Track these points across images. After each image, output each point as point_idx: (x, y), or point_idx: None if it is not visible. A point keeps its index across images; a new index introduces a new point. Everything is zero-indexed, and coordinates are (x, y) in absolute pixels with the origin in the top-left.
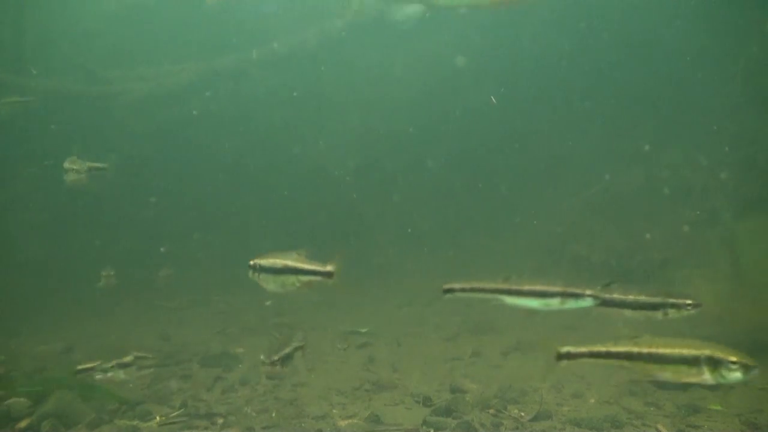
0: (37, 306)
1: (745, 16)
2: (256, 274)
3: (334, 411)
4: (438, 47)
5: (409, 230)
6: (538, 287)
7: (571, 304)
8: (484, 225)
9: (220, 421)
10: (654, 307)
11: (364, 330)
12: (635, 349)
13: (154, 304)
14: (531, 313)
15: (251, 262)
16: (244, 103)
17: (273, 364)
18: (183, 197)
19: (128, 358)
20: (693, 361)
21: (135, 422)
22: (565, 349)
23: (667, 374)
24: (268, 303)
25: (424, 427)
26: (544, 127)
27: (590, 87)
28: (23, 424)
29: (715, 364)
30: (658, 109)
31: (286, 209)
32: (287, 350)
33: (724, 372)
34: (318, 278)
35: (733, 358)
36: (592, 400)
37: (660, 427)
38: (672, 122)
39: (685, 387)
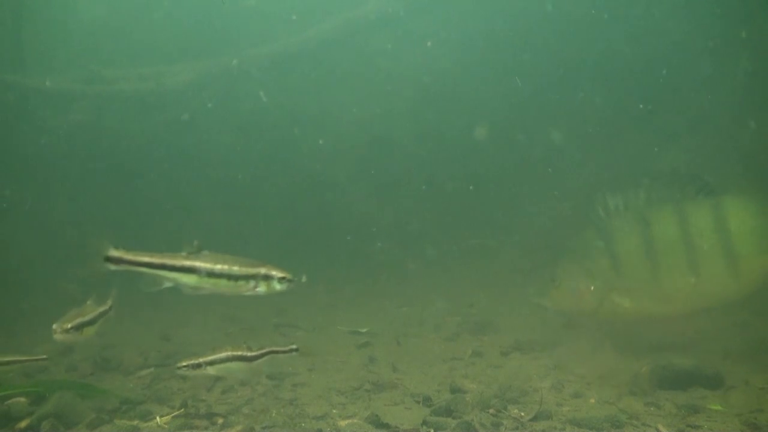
0: (36, 306)
1: (745, 16)
2: None
3: (334, 411)
4: (437, 47)
5: (408, 228)
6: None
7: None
8: (484, 224)
9: (220, 421)
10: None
11: (364, 330)
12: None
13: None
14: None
15: None
16: (243, 103)
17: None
18: (182, 196)
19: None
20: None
21: (135, 422)
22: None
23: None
24: (303, 279)
25: (424, 427)
26: (544, 126)
27: (590, 86)
28: (23, 424)
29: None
30: (658, 109)
31: (286, 209)
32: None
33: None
34: None
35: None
36: (592, 400)
37: (660, 427)
38: (672, 122)
39: (685, 387)
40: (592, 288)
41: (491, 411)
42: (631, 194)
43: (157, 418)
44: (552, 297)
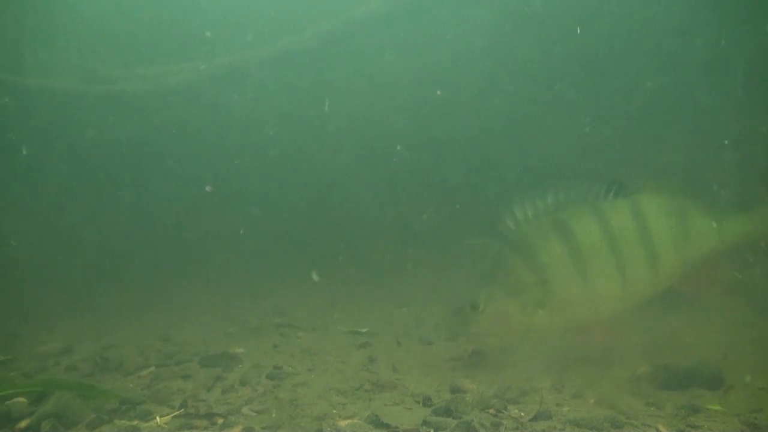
0: (36, 306)
1: (745, 15)
2: None
3: (334, 411)
4: (437, 46)
5: (409, 228)
6: None
7: None
8: (485, 224)
9: (220, 421)
10: None
11: (364, 330)
12: None
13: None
14: None
15: None
16: (243, 103)
17: None
18: (181, 196)
19: None
20: None
21: (135, 422)
22: None
23: None
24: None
25: (424, 427)
26: (545, 126)
27: (590, 85)
28: (23, 424)
29: None
30: (658, 109)
31: (285, 208)
32: None
33: None
34: None
35: None
36: (592, 401)
37: (660, 427)
38: (672, 122)
39: (685, 387)
40: (521, 306)
41: (491, 411)
42: (539, 201)
43: (157, 418)
44: (477, 325)
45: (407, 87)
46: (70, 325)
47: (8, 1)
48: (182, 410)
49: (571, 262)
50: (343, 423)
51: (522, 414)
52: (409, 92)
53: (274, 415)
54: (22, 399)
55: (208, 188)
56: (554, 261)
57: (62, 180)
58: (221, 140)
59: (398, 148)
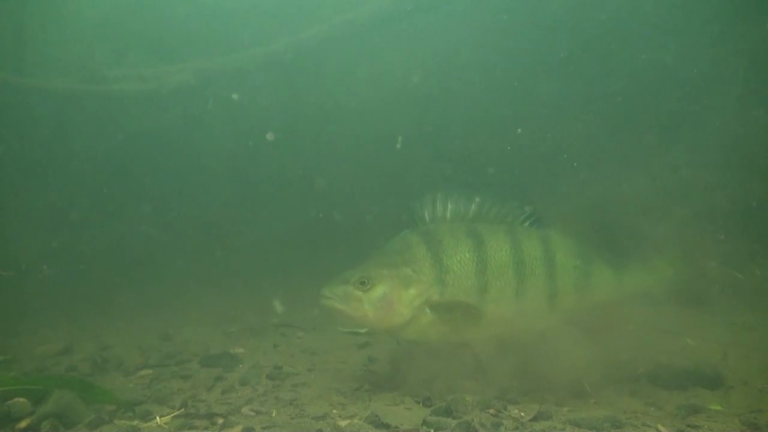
0: (36, 306)
1: (746, 15)
2: None
3: (334, 411)
4: (436, 48)
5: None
6: None
7: None
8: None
9: (220, 421)
10: None
11: (363, 330)
12: None
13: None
14: None
15: None
16: (243, 104)
17: None
18: (180, 197)
19: None
20: None
21: (135, 422)
22: None
23: None
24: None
25: (424, 427)
26: (544, 126)
27: (590, 86)
28: (23, 424)
29: None
30: (658, 109)
31: (284, 209)
32: None
33: None
34: None
35: None
36: (592, 401)
37: (660, 427)
38: (673, 122)
39: (685, 387)
40: (409, 298)
41: (491, 411)
42: (460, 205)
43: (157, 418)
44: (354, 303)
45: (409, 88)
46: (70, 325)
47: (9, 1)
48: (182, 410)
49: (472, 269)
50: (343, 423)
51: (522, 414)
52: (410, 94)
53: (274, 415)
54: (22, 399)
55: (269, 136)
56: (457, 263)
57: (62, 180)
58: (222, 141)
59: (397, 147)
